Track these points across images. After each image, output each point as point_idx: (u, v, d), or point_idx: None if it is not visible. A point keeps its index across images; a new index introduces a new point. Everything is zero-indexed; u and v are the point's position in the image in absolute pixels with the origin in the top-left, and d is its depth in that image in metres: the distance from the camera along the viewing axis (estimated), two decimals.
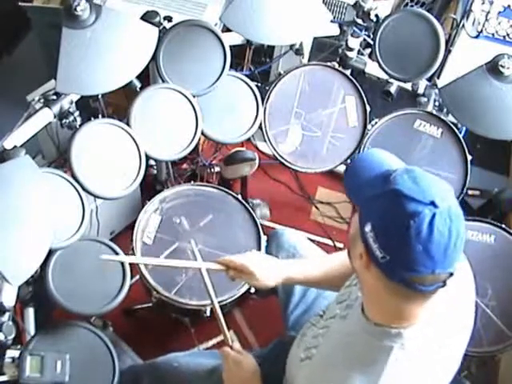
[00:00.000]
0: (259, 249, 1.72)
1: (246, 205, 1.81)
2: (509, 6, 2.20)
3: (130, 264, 1.57)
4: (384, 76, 1.86)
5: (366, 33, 1.94)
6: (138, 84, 1.67)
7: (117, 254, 1.56)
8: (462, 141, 1.77)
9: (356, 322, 1.07)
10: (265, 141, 1.83)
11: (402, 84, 1.89)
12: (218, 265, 1.38)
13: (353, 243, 1.00)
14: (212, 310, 1.61)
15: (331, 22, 1.86)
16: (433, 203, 0.87)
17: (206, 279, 1.38)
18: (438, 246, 0.88)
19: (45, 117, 1.56)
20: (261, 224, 1.78)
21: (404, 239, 0.87)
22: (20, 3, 2.17)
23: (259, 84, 1.95)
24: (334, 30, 1.97)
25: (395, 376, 0.98)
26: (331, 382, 1.03)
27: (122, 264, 1.55)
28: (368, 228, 0.92)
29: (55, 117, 1.58)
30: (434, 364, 1.02)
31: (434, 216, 0.87)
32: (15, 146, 1.47)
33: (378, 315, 1.02)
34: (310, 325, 1.26)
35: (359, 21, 1.90)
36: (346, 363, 1.02)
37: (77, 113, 1.62)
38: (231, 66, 1.76)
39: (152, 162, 2.16)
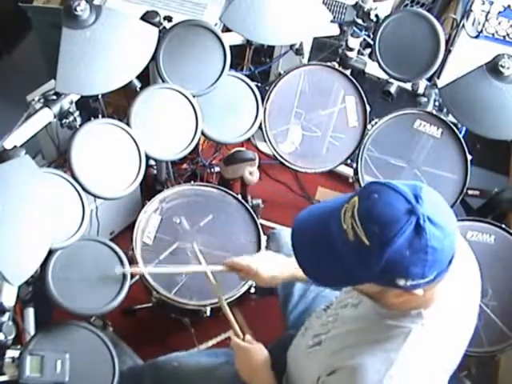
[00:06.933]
0: (259, 249, 1.72)
1: (246, 205, 1.81)
2: (509, 5, 2.20)
3: (131, 263, 1.58)
4: (384, 76, 1.86)
5: (366, 33, 1.94)
6: (137, 84, 1.67)
7: (117, 254, 1.56)
8: (462, 141, 1.77)
9: (370, 308, 1.07)
10: (265, 141, 1.83)
11: (402, 84, 1.89)
12: (223, 267, 1.42)
13: (377, 296, 1.01)
14: (212, 310, 1.62)
15: (331, 22, 1.86)
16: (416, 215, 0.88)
17: (211, 278, 1.42)
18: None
19: (45, 117, 1.56)
20: (261, 224, 1.78)
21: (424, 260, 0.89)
22: (20, 3, 2.17)
23: (259, 84, 1.95)
24: (334, 30, 1.97)
25: (413, 354, 0.99)
26: (344, 361, 1.03)
27: (122, 264, 1.55)
28: (402, 282, 0.91)
29: (55, 117, 1.57)
30: (449, 344, 1.04)
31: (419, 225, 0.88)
32: (15, 146, 1.47)
33: (395, 309, 1.02)
34: (315, 317, 1.27)
35: (359, 21, 1.90)
36: (360, 344, 1.03)
37: (77, 113, 1.62)
38: (231, 66, 1.76)
39: (152, 162, 2.16)
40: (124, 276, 1.52)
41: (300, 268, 1.02)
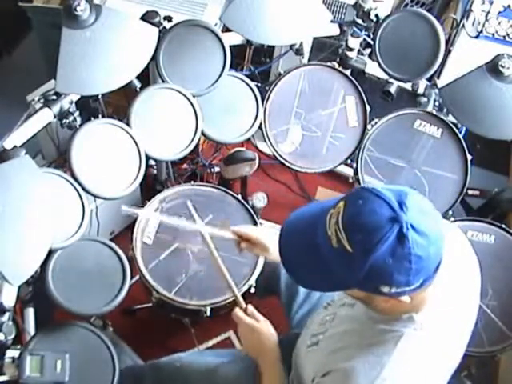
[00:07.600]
0: None
1: (246, 205, 1.81)
2: (509, 5, 2.20)
3: (131, 263, 1.58)
4: (384, 76, 1.86)
5: (366, 33, 1.94)
6: (137, 84, 1.67)
7: (117, 254, 1.56)
8: (462, 141, 1.77)
9: (363, 312, 1.07)
10: (265, 141, 1.83)
11: (402, 84, 1.89)
12: (231, 234, 1.41)
13: (366, 301, 1.00)
14: (212, 310, 1.62)
15: (331, 21, 1.86)
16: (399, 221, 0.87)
17: (210, 243, 1.43)
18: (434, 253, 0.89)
19: (45, 117, 1.56)
20: (261, 224, 1.78)
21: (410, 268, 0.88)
22: (20, 3, 2.17)
23: (259, 84, 1.95)
24: (334, 30, 1.97)
25: (406, 358, 0.99)
26: (338, 364, 1.03)
27: (122, 264, 1.55)
28: (386, 289, 0.91)
29: (55, 117, 1.58)
30: (444, 346, 1.03)
31: (402, 232, 0.87)
32: (15, 146, 1.47)
33: (386, 314, 1.02)
34: (315, 314, 1.27)
35: (359, 21, 1.91)
36: (354, 347, 1.03)
37: (77, 113, 1.62)
38: (231, 66, 1.76)
39: (152, 162, 2.16)
40: (124, 272, 1.52)
41: (286, 272, 1.01)
